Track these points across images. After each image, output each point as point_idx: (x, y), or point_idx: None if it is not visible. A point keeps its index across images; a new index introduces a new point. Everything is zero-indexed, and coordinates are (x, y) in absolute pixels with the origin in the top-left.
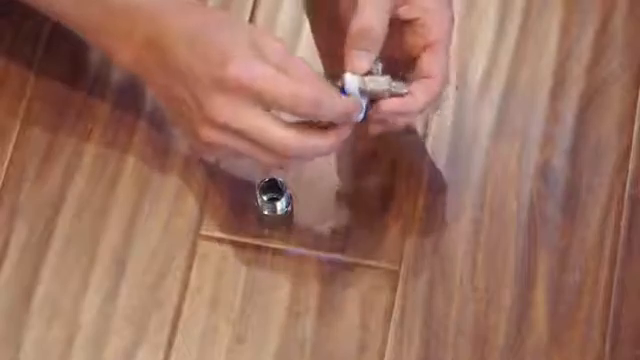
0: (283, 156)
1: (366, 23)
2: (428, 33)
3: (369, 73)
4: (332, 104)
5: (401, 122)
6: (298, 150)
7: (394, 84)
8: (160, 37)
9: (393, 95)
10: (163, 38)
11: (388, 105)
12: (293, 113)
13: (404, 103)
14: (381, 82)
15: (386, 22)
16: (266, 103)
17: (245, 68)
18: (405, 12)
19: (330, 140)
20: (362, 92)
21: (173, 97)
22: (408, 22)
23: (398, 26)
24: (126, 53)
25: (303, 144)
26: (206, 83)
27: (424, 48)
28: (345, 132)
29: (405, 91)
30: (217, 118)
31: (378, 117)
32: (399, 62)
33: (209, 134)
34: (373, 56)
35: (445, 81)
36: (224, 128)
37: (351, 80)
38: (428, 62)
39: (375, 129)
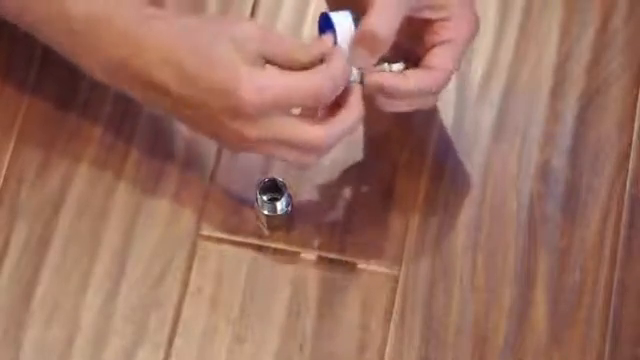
0: (320, 151)
1: (374, 28)
2: (446, 33)
3: None
4: (340, 74)
5: (399, 105)
6: (333, 139)
7: (393, 67)
8: (134, 57)
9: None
10: (138, 59)
11: (374, 77)
12: (316, 104)
13: (390, 79)
14: (381, 67)
15: (395, 29)
16: (287, 107)
17: (253, 90)
18: (430, 13)
19: (354, 112)
20: (361, 77)
21: (182, 116)
22: (429, 21)
23: (417, 22)
24: (98, 72)
25: (335, 131)
26: (218, 111)
27: (438, 44)
28: (359, 95)
29: (402, 68)
30: (245, 136)
31: (368, 91)
32: (408, 53)
33: (242, 146)
34: (373, 60)
35: (445, 79)
36: (255, 141)
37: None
38: (435, 55)
39: (384, 107)
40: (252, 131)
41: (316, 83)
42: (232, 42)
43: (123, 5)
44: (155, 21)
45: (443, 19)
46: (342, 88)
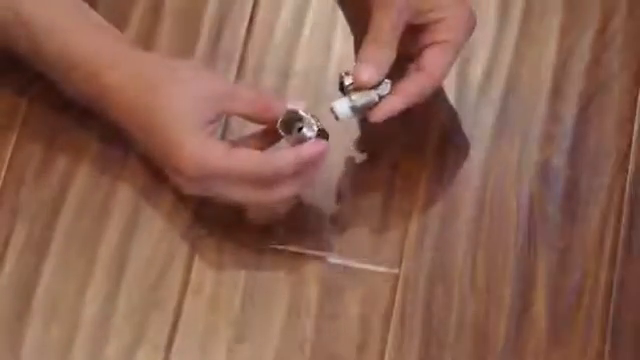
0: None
1: (378, 39)
2: (439, 34)
3: (342, 88)
4: (284, 165)
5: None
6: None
7: (379, 90)
8: (102, 92)
9: (382, 98)
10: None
11: (376, 116)
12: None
13: (389, 109)
14: (368, 94)
15: (398, 36)
16: (226, 180)
17: (192, 164)
18: (425, 19)
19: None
20: (354, 111)
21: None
22: (424, 23)
23: (410, 26)
24: (68, 90)
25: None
26: (162, 163)
27: (431, 45)
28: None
29: (387, 91)
30: (186, 190)
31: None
32: (401, 56)
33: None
34: (380, 75)
35: (439, 80)
36: (198, 194)
37: (340, 105)
38: (428, 58)
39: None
40: (192, 189)
41: (257, 169)
42: (191, 102)
43: (99, 41)
44: (128, 57)
45: (437, 21)
46: (284, 175)
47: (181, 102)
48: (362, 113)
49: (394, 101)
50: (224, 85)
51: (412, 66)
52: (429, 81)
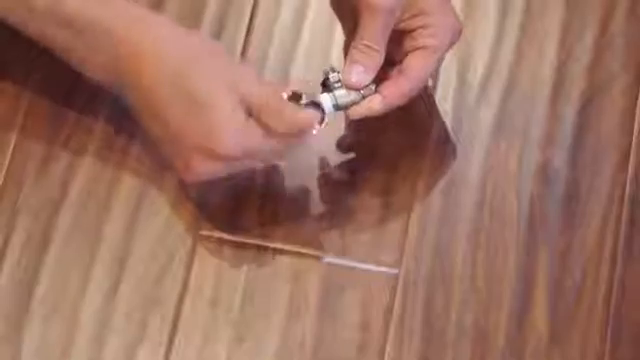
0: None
1: (367, 42)
2: (422, 40)
3: (327, 84)
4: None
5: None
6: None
7: (364, 91)
8: (131, 58)
9: (365, 98)
10: (133, 63)
11: (355, 114)
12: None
13: (369, 109)
14: (353, 94)
15: (386, 42)
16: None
17: (233, 143)
18: (409, 24)
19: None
20: (336, 108)
21: (157, 134)
22: (408, 28)
23: (394, 31)
24: (97, 72)
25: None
26: (192, 146)
27: (414, 50)
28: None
29: (371, 93)
30: (213, 173)
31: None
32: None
33: (204, 178)
34: (369, 77)
35: (420, 84)
36: (220, 175)
37: (324, 101)
38: (411, 62)
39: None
40: (221, 169)
41: (280, 148)
42: (229, 84)
43: (125, 10)
44: (159, 28)
45: (421, 26)
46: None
47: (220, 79)
48: (342, 110)
49: (375, 101)
50: (252, 71)
51: (395, 69)
52: (411, 84)
